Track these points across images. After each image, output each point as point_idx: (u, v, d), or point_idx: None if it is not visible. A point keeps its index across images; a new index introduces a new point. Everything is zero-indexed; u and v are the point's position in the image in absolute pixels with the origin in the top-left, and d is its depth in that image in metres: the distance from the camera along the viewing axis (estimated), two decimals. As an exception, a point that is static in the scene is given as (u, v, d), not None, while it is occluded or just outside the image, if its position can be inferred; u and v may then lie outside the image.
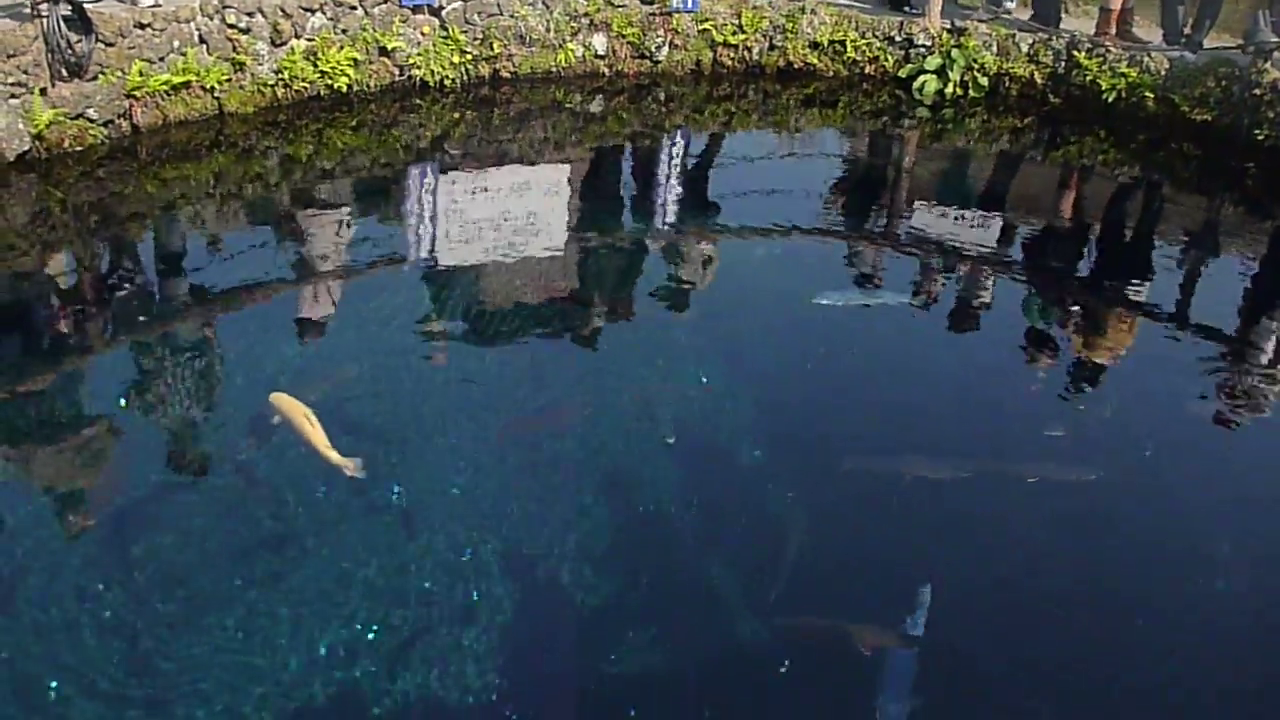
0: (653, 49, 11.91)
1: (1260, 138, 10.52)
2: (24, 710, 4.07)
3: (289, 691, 4.23)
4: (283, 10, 9.98)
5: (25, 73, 8.32)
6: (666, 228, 9.23)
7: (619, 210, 9.59)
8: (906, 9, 12.41)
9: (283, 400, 5.61)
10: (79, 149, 8.79)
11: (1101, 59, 11.39)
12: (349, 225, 8.62)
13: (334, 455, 5.29)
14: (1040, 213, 10.12)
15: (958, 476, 5.65)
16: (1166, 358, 7.25)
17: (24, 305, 7.14)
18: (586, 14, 11.63)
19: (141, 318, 6.98)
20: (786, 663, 4.46)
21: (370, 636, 4.47)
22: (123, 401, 6.01)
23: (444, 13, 11.01)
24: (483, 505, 5.30)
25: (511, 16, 11.30)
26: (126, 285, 7.37)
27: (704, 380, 6.49)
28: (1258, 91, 10.50)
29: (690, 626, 4.70)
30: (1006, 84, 11.90)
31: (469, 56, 11.14)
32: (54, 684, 4.17)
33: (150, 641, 4.38)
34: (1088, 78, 11.43)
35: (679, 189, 9.95)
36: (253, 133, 9.83)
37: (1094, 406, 6.65)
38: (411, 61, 10.86)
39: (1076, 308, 8.16)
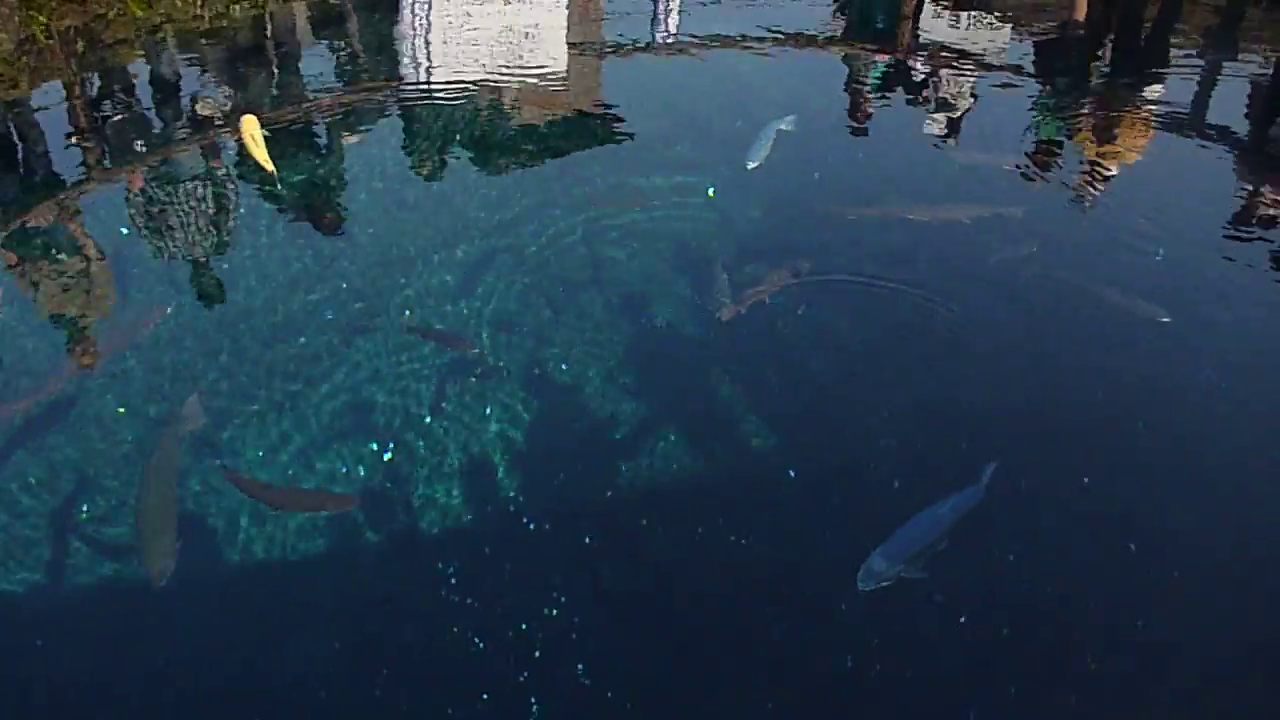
0: None
1: (1287, -73, 10.02)
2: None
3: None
4: None
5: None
6: (667, 39, 8.97)
7: (618, 21, 9.31)
8: None
9: (247, 120, 6.03)
10: (57, -30, 8.45)
11: None
12: (344, 42, 8.38)
13: (267, 162, 5.93)
14: (1055, 12, 9.79)
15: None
16: (1183, 160, 7.12)
17: (16, 135, 7.01)
18: None
19: (136, 143, 6.88)
20: (792, 472, 4.53)
21: (387, 448, 4.60)
22: (123, 230, 5.99)
23: None
24: (500, 308, 5.36)
25: None
26: (119, 112, 7.24)
27: (710, 192, 6.43)
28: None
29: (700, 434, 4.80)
30: None
31: None
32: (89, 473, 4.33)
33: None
34: None
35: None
36: (237, -53, 9.42)
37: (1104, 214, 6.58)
38: None
39: (1091, 110, 7.98)
